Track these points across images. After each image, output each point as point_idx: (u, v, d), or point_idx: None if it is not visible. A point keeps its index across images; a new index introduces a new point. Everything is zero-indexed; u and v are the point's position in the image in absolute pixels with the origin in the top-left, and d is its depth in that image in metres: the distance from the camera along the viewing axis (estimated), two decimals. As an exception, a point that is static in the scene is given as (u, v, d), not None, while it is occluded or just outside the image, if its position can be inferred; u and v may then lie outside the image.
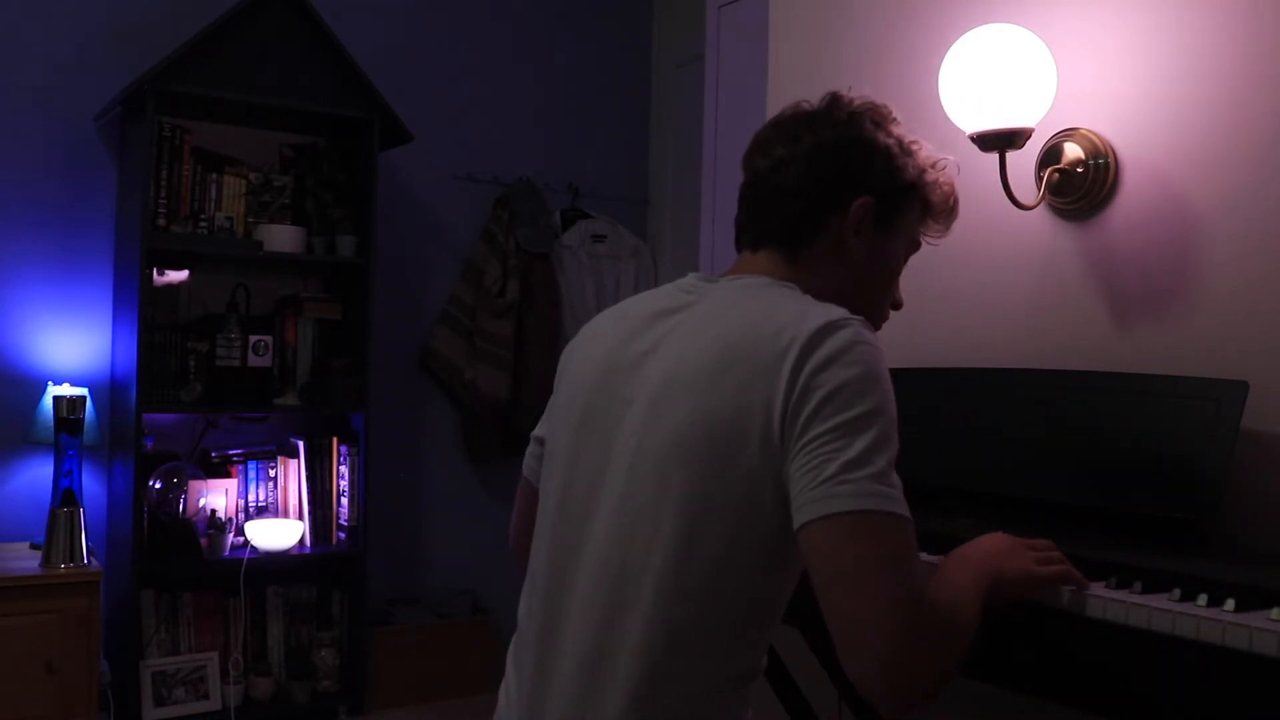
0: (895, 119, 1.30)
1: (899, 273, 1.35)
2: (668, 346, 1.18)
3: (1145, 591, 1.18)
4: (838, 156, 1.25)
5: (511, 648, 1.29)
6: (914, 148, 1.29)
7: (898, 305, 1.37)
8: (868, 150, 1.25)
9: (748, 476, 1.08)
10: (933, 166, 1.31)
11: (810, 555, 1.04)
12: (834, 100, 1.29)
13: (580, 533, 1.18)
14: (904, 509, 1.04)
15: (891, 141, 1.27)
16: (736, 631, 1.13)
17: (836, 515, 1.01)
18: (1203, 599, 1.13)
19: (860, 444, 1.03)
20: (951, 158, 1.35)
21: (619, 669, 1.10)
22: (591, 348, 1.28)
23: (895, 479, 1.05)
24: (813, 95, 1.32)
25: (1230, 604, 1.11)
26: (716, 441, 1.09)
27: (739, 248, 1.32)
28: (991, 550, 1.21)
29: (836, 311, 1.13)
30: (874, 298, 1.32)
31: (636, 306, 1.29)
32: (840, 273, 1.26)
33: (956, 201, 1.35)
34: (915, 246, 1.35)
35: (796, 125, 1.27)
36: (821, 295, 1.20)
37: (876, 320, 1.31)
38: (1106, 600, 1.17)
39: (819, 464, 1.03)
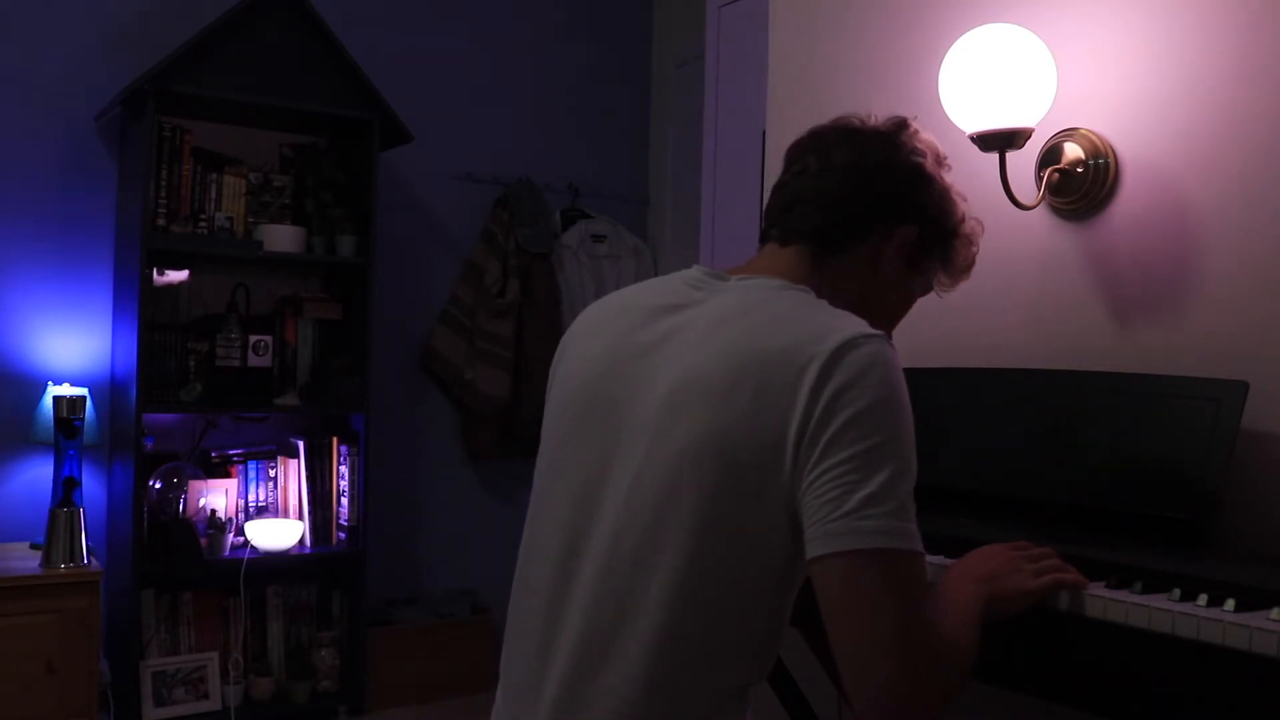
0: (949, 165, 1.32)
1: (908, 309, 1.35)
2: (675, 350, 1.14)
3: (1145, 591, 1.18)
4: (900, 179, 1.26)
5: (503, 658, 1.24)
6: (959, 199, 1.32)
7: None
8: (927, 184, 1.28)
9: (761, 496, 1.05)
10: (972, 221, 1.34)
11: (823, 586, 1.03)
12: (902, 125, 1.30)
13: (583, 539, 1.14)
14: (919, 543, 1.04)
15: (947, 184, 1.30)
16: (743, 647, 1.10)
17: (854, 552, 1.01)
18: (1203, 599, 1.13)
19: (880, 476, 1.02)
20: (980, 220, 1.37)
21: (615, 682, 1.08)
22: (589, 344, 1.24)
23: (911, 510, 1.04)
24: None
25: (1230, 604, 1.11)
26: (729, 459, 1.06)
27: (765, 239, 1.29)
28: (988, 571, 1.21)
29: (854, 324, 1.10)
30: (882, 324, 1.29)
31: (638, 299, 1.25)
32: (861, 289, 1.26)
33: (974, 262, 1.38)
34: (926, 290, 1.37)
35: (866, 138, 1.28)
36: (834, 303, 1.18)
37: None
38: (1107, 600, 1.17)
39: (838, 495, 1.02)
